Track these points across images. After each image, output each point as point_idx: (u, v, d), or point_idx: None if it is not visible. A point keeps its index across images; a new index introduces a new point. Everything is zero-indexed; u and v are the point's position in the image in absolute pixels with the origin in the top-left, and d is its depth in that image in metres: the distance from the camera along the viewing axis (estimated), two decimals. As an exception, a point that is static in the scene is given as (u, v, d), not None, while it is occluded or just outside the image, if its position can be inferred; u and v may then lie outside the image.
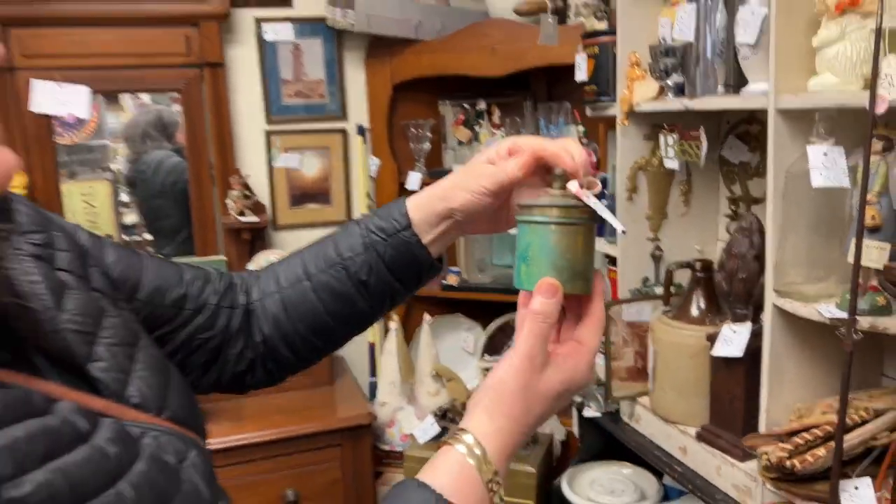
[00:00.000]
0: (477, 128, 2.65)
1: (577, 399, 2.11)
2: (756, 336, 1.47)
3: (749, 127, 1.77)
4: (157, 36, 2.37)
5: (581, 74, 1.89)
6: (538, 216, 0.68)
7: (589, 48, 1.86)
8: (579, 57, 1.89)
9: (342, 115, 2.69)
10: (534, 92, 2.78)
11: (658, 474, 2.04)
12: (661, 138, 1.65)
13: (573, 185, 0.69)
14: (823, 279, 1.32)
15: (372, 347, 2.71)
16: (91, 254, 0.72)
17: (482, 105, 2.66)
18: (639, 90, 1.71)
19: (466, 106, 2.72)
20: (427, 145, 2.64)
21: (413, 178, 2.60)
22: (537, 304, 0.66)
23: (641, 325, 1.84)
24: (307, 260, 0.84)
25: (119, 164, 2.86)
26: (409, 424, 2.40)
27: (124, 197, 2.78)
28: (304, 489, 2.18)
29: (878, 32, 1.10)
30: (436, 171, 2.63)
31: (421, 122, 2.62)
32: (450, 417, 2.29)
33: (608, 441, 2.14)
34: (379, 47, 2.64)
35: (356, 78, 2.69)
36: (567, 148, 0.73)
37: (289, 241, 2.68)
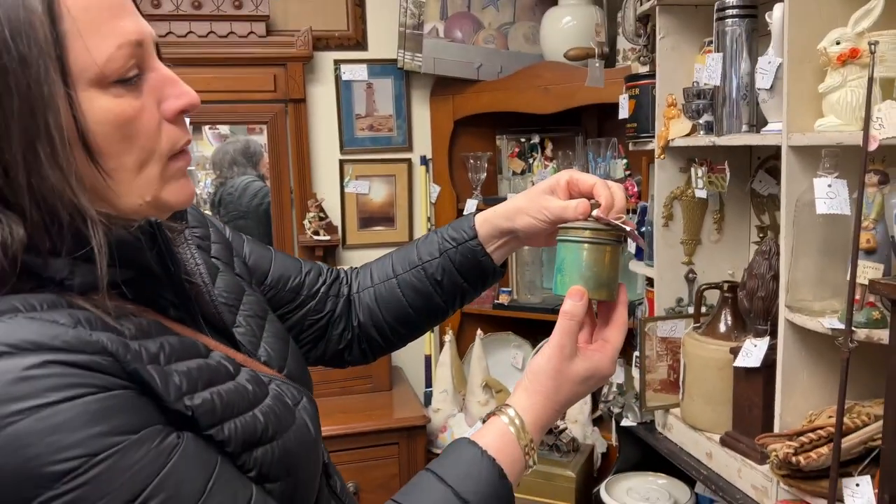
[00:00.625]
0: (530, 160, 2.87)
1: (616, 410, 2.28)
2: (773, 349, 1.63)
3: (777, 162, 1.93)
4: (250, 75, 2.69)
5: (624, 113, 2.10)
6: (572, 236, 0.85)
7: (631, 90, 2.07)
8: (622, 97, 2.10)
9: (408, 146, 2.95)
10: (584, 128, 2.99)
11: (691, 484, 2.18)
12: (693, 170, 1.83)
13: (597, 212, 0.87)
14: (830, 297, 1.47)
15: (428, 359, 2.93)
16: (234, 246, 0.95)
17: (536, 139, 2.88)
18: (674, 127, 1.90)
19: (522, 140, 2.95)
20: (483, 175, 2.87)
21: (470, 205, 2.84)
22: (567, 306, 0.81)
23: (675, 340, 2.00)
24: (395, 261, 1.03)
25: (200, 188, 3.20)
26: (460, 430, 2.60)
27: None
28: (364, 482, 2.40)
29: (870, 81, 1.28)
30: (490, 198, 2.86)
31: (479, 154, 2.86)
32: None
33: (645, 452, 2.29)
34: (443, 86, 2.90)
35: (421, 113, 2.96)
36: (607, 184, 0.90)
37: (356, 259, 2.95)
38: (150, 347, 0.62)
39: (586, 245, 0.85)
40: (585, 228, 0.86)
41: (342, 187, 2.91)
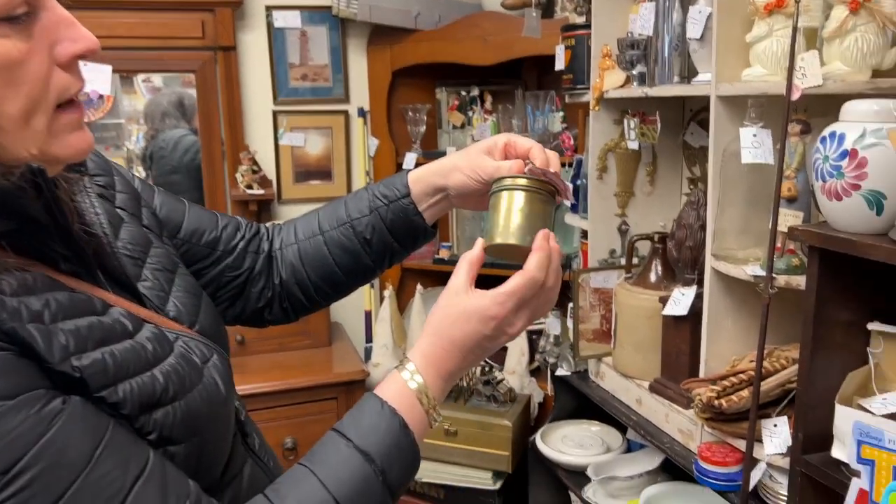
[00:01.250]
0: (470, 113, 2.84)
1: (552, 360, 2.31)
2: (700, 297, 1.67)
3: (708, 114, 1.96)
4: (175, 20, 2.56)
5: (560, 64, 2.08)
6: (498, 186, 0.85)
7: (567, 40, 2.05)
8: (558, 48, 2.08)
9: (345, 97, 2.88)
10: (524, 80, 2.97)
11: (623, 430, 2.24)
12: (625, 122, 1.84)
13: (530, 166, 0.86)
14: (753, 245, 1.51)
15: (368, 315, 2.92)
16: (143, 196, 0.90)
17: (475, 92, 2.85)
18: (608, 79, 1.90)
19: (461, 93, 2.91)
20: (423, 128, 2.83)
21: (409, 159, 2.80)
22: (467, 252, 0.82)
23: (607, 291, 2.03)
24: (322, 217, 0.99)
25: (132, 143, 3.07)
26: (400, 384, 2.60)
27: (137, 172, 2.99)
28: (302, 437, 2.39)
29: (794, 31, 1.29)
30: (430, 152, 2.82)
31: (418, 107, 2.81)
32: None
33: (580, 401, 2.34)
34: (380, 35, 2.83)
35: (358, 63, 2.88)
36: (543, 149, 0.89)
37: (292, 214, 2.86)
38: (32, 304, 0.58)
39: (504, 192, 0.84)
40: (514, 177, 0.85)
41: (276, 140, 2.83)
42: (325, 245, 0.98)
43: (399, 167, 2.86)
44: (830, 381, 1.24)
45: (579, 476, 2.16)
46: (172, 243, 0.92)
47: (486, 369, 2.46)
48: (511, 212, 0.83)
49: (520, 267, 0.80)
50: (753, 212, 1.50)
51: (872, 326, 1.22)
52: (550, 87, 2.68)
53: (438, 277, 2.91)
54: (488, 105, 2.85)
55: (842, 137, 1.10)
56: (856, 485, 1.07)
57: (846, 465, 1.17)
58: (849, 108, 1.13)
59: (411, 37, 2.76)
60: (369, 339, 2.92)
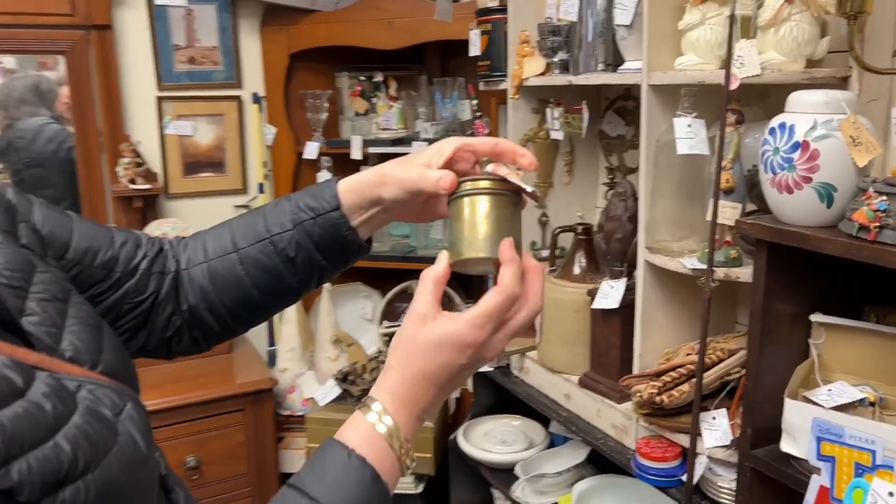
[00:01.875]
0: (374, 100, 2.70)
1: (472, 357, 2.24)
2: (630, 290, 1.65)
3: (625, 103, 1.94)
4: (39, -6, 2.26)
5: (475, 50, 1.99)
6: (458, 191, 0.74)
7: (482, 24, 1.96)
8: (473, 33, 1.99)
9: (237, 82, 2.66)
10: (428, 66, 2.86)
11: (545, 423, 2.21)
12: (548, 111, 1.78)
13: (491, 166, 0.76)
14: (687, 237, 1.49)
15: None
16: (19, 210, 0.72)
17: (379, 77, 2.71)
18: (528, 66, 1.83)
19: (363, 78, 2.76)
20: (325, 115, 2.67)
21: (311, 148, 2.64)
22: (430, 269, 0.71)
23: (530, 285, 1.98)
24: (236, 232, 0.85)
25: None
26: (310, 389, 2.46)
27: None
28: (207, 455, 2.20)
29: (731, 19, 1.26)
30: (334, 140, 2.67)
31: (318, 93, 2.64)
32: (350, 380, 2.36)
33: (500, 396, 2.29)
34: (275, 16, 2.63)
35: (251, 46, 2.67)
36: (508, 141, 0.80)
37: (182, 210, 2.65)
38: None
39: (466, 199, 0.74)
40: (475, 180, 0.74)
41: (161, 129, 2.57)
42: (240, 264, 0.84)
43: (300, 157, 2.68)
44: (777, 375, 1.23)
45: (504, 473, 2.11)
46: (59, 265, 0.74)
47: (403, 369, 2.36)
48: (476, 220, 0.73)
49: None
50: (686, 203, 1.48)
51: (815, 318, 1.22)
52: (456, 73, 2.59)
53: (346, 273, 2.75)
54: (393, 91, 2.72)
55: (792, 129, 1.08)
56: (816, 482, 1.06)
57: (796, 458, 1.17)
58: (796, 98, 1.11)
59: (309, 18, 2.59)
60: (272, 342, 2.74)
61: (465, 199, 0.74)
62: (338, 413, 2.29)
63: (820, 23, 1.27)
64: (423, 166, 0.78)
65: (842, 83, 1.26)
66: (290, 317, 2.53)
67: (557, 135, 1.77)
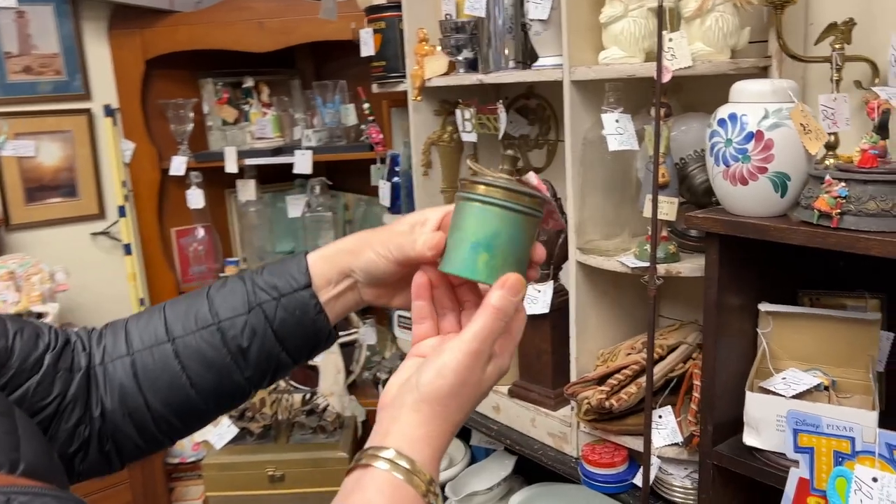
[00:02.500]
0: (246, 107, 2.49)
1: (384, 376, 2.11)
2: (557, 293, 1.60)
3: (528, 101, 1.89)
4: None
5: (368, 50, 1.87)
6: (512, 203, 0.60)
7: (374, 23, 1.84)
8: (364, 32, 1.86)
9: (85, 93, 2.35)
10: (301, 70, 2.69)
11: (465, 438, 2.13)
12: (458, 113, 1.69)
13: (532, 177, 0.64)
14: (618, 234, 1.46)
15: (144, 353, 2.44)
16: None
17: (249, 83, 2.51)
18: (429, 66, 1.73)
19: (228, 83, 2.54)
20: (190, 126, 2.43)
21: (177, 163, 2.38)
22: (499, 300, 0.59)
23: (445, 295, 1.88)
24: (171, 317, 0.69)
25: None
26: (201, 431, 2.21)
27: None
28: (87, 523, 1.90)
29: (661, 10, 1.23)
30: (203, 153, 2.43)
31: (181, 102, 2.40)
32: (248, 416, 2.15)
33: (413, 413, 2.18)
34: (125, 18, 2.35)
35: (99, 52, 2.37)
36: None
37: (28, 242, 2.29)
38: None
39: (478, 205, 0.61)
40: (497, 185, 0.60)
41: (-4, 150, 2.22)
42: (176, 357, 0.68)
43: (165, 173, 2.42)
44: (730, 368, 1.22)
45: (429, 496, 2.00)
46: None
47: (307, 396, 2.18)
48: (484, 238, 0.60)
49: None
50: (615, 200, 1.45)
51: (763, 307, 1.22)
52: (333, 76, 2.44)
53: (228, 298, 2.53)
54: (265, 97, 2.53)
55: (744, 119, 1.06)
56: (794, 474, 1.05)
57: (760, 450, 1.16)
58: (742, 88, 1.10)
59: (166, 19, 2.33)
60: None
61: (477, 206, 0.61)
62: (238, 455, 2.07)
63: (740, 13, 1.28)
64: (405, 231, 0.67)
65: (762, 72, 1.28)
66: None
67: (470, 137, 1.69)
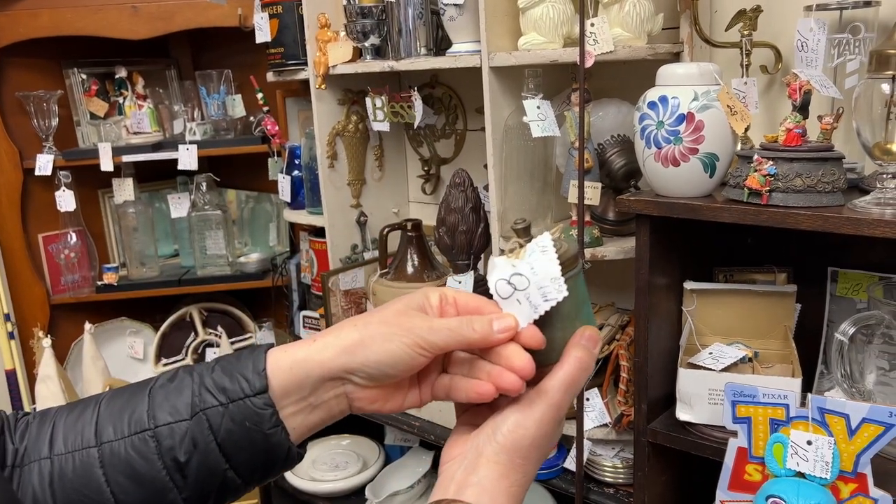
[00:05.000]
0: (120, 99, 2.28)
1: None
2: (478, 283, 1.58)
3: (432, 90, 1.86)
4: None
5: (263, 36, 1.76)
6: (577, 267, 0.56)
7: (270, 7, 1.73)
8: (259, 17, 1.75)
9: (-75, 85, 2.06)
10: (176, 59, 2.50)
11: (378, 438, 2.07)
12: (369, 101, 1.63)
13: (546, 239, 0.56)
14: (540, 221, 1.46)
15: (12, 376, 2.18)
16: None
17: (122, 73, 2.30)
18: (333, 52, 1.66)
19: (94, 73, 2.32)
20: (55, 121, 2.19)
21: (43, 162, 2.15)
22: (586, 351, 0.55)
23: (356, 291, 1.82)
24: (104, 415, 0.57)
25: None
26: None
27: None
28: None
29: (582, -5, 1.23)
30: (73, 151, 2.20)
31: (43, 94, 2.15)
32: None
33: (323, 417, 2.09)
34: (-29, -1, 2.08)
35: (-60, 37, 2.08)
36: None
37: None
38: None
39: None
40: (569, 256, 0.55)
41: None
42: (101, 466, 0.56)
43: (30, 173, 2.17)
44: (659, 346, 1.25)
45: (346, 501, 1.93)
46: None
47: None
48: (589, 304, 0.58)
49: None
50: (537, 186, 1.45)
51: (688, 286, 1.26)
52: (211, 65, 2.29)
53: (107, 309, 2.32)
54: (140, 88, 2.33)
55: (675, 102, 1.08)
56: (733, 444, 1.08)
57: (692, 424, 1.20)
58: (670, 72, 1.12)
59: (25, 2, 2.09)
60: (19, 404, 2.20)
61: (580, 275, 0.56)
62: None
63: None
64: (418, 314, 0.57)
65: (675, 58, 1.32)
66: (49, 372, 2.03)
67: (382, 126, 1.63)
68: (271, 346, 0.59)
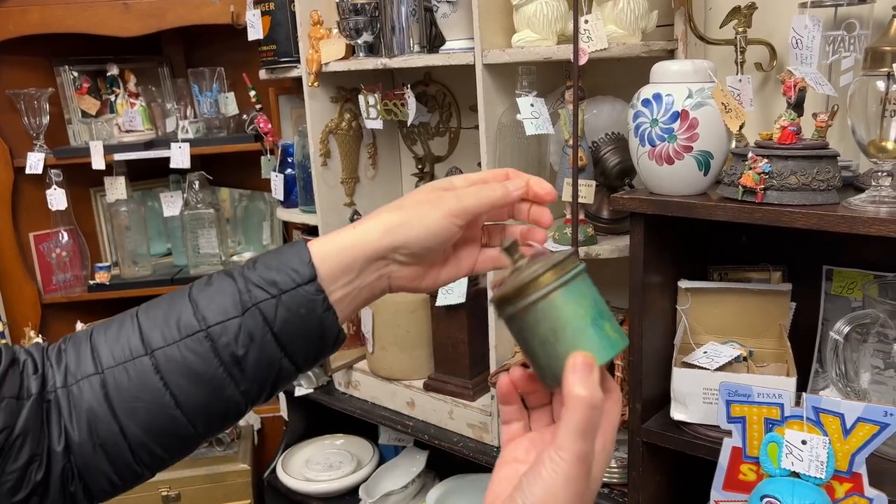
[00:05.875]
0: (112, 97, 2.27)
1: (284, 380, 2.00)
2: (472, 282, 1.57)
3: (426, 88, 1.85)
4: None
5: (255, 33, 1.75)
6: (576, 268, 0.51)
7: (262, 5, 1.72)
8: (252, 14, 1.74)
9: (-85, 82, 2.04)
10: (168, 56, 2.49)
11: (373, 438, 2.06)
12: (362, 99, 1.62)
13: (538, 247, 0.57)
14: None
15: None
16: None
17: (114, 70, 2.28)
18: (326, 50, 1.64)
19: (85, 71, 2.30)
20: (46, 119, 2.17)
21: (34, 160, 2.13)
22: (583, 387, 0.47)
23: (350, 291, 1.81)
24: (147, 325, 0.58)
25: None
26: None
27: None
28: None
29: (576, -8, 1.23)
30: (65, 149, 2.19)
31: (34, 92, 2.14)
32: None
33: (315, 417, 2.09)
34: (-40, -5, 2.06)
35: (-71, 34, 2.07)
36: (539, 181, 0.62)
37: None
38: None
39: (543, 304, 0.51)
40: (537, 276, 0.50)
41: None
42: (157, 372, 0.57)
43: (21, 171, 2.15)
44: (654, 345, 1.24)
45: (340, 501, 1.92)
46: None
47: (200, 408, 2.02)
48: (592, 307, 0.51)
49: None
50: (530, 185, 1.43)
51: (683, 284, 1.25)
52: (203, 63, 2.28)
53: (99, 309, 2.30)
54: (132, 86, 2.31)
55: (669, 99, 1.08)
56: (728, 444, 1.08)
57: (687, 424, 1.19)
58: (664, 69, 1.11)
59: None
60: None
61: (561, 292, 0.50)
62: None
63: (650, -3, 1.30)
64: (447, 193, 0.61)
65: (669, 55, 1.31)
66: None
67: (375, 124, 1.62)
68: (307, 239, 0.61)
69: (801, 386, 1.24)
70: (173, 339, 0.57)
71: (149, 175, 2.42)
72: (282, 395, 2.04)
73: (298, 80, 1.75)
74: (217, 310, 0.57)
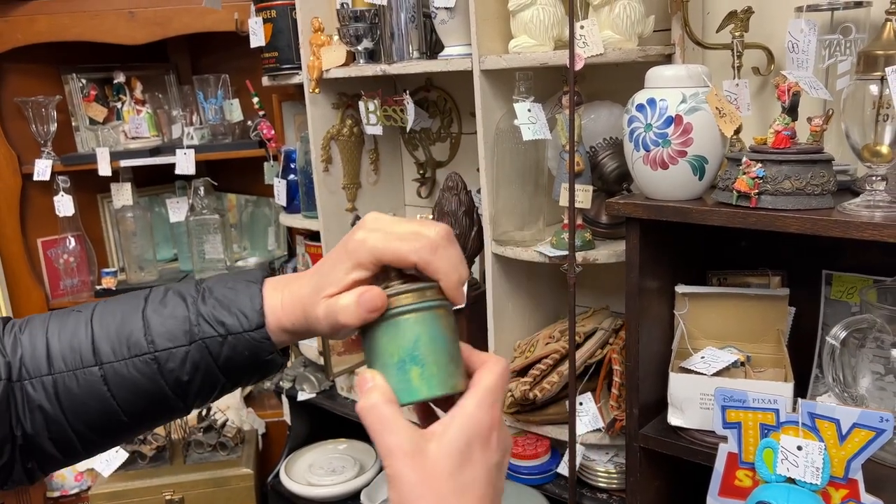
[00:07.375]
0: (118, 105, 2.29)
1: (286, 385, 2.01)
2: (471, 286, 1.57)
3: (427, 94, 1.85)
4: None
5: (258, 40, 1.76)
6: (421, 302, 0.53)
7: (264, 12, 1.74)
8: (254, 22, 1.75)
9: (-75, 91, 2.08)
10: (175, 63, 2.51)
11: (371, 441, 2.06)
12: (362, 105, 1.63)
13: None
14: (532, 224, 1.45)
15: None
16: None
17: (121, 78, 2.31)
18: (327, 56, 1.66)
19: (93, 78, 2.33)
20: (53, 126, 2.20)
21: (42, 167, 2.16)
22: (371, 397, 0.52)
23: (352, 296, 1.81)
24: (99, 334, 0.60)
25: None
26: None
27: None
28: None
29: (571, -2, 1.23)
30: (72, 156, 2.21)
31: (42, 100, 2.17)
32: (139, 439, 1.98)
33: (317, 421, 2.09)
34: (-30, 5, 2.09)
35: (-61, 43, 2.10)
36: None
37: None
38: None
39: (402, 319, 0.54)
40: (402, 292, 0.54)
41: None
42: (105, 384, 0.60)
43: (29, 178, 2.18)
44: (651, 351, 1.24)
45: (342, 506, 1.93)
46: None
47: (204, 413, 2.04)
48: (403, 350, 0.53)
49: None
50: (528, 190, 1.44)
51: (680, 289, 1.25)
52: (208, 70, 2.30)
53: (106, 313, 2.32)
54: (139, 93, 2.34)
55: (663, 104, 1.08)
56: (724, 450, 1.07)
57: (684, 430, 1.19)
58: (658, 74, 1.11)
59: (23, 7, 2.10)
60: None
61: (401, 321, 0.54)
62: (129, 482, 1.90)
63: (645, 1, 1.30)
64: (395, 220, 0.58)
65: (667, 60, 1.31)
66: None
67: (375, 130, 1.63)
68: (265, 275, 0.63)
69: (801, 391, 1.23)
70: (122, 356, 0.60)
71: (155, 181, 2.44)
72: (285, 400, 2.04)
73: (301, 86, 1.76)
74: (166, 335, 0.60)
